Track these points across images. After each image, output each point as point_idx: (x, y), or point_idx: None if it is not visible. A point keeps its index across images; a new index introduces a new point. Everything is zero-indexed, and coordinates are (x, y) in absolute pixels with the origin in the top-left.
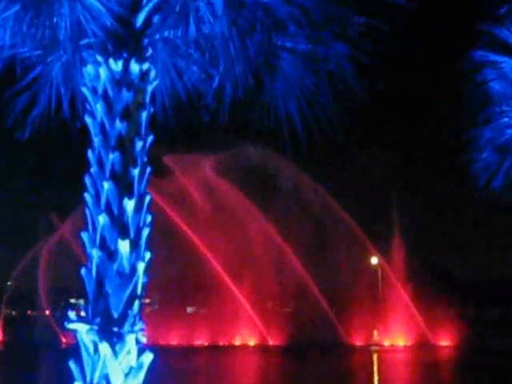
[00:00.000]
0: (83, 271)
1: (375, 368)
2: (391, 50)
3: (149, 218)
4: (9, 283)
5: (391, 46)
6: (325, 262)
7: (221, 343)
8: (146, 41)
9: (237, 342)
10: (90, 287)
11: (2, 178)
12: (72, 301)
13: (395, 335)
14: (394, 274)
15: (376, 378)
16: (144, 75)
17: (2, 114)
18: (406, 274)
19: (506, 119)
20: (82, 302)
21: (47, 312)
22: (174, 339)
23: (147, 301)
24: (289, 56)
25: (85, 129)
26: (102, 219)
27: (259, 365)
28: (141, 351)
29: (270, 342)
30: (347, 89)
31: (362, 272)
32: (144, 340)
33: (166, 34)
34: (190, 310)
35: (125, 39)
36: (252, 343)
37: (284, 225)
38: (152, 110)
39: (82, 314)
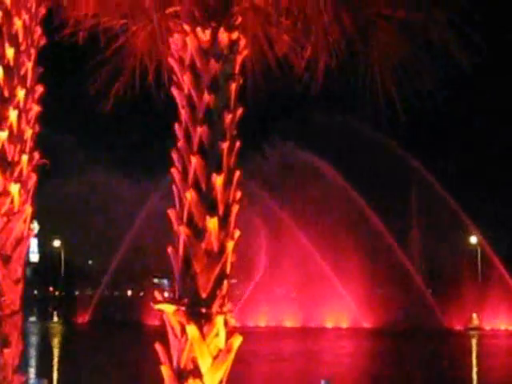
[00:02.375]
0: (169, 250)
1: (474, 354)
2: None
3: (238, 194)
4: (90, 262)
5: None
6: (421, 241)
7: (312, 325)
8: (235, 9)
9: (328, 325)
10: (176, 266)
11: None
12: (155, 280)
13: (496, 319)
14: (494, 253)
15: (474, 365)
16: (233, 45)
17: (85, 86)
18: (508, 254)
19: None
20: (165, 281)
21: (129, 292)
22: (263, 321)
23: (234, 281)
24: (385, 23)
25: (171, 101)
26: (190, 195)
27: (356, 348)
28: (229, 333)
29: (364, 325)
30: (447, 59)
31: (460, 252)
32: (233, 322)
33: (256, 1)
34: (279, 291)
35: (213, 7)
36: (344, 325)
37: (379, 203)
38: (241, 81)
39: (166, 294)
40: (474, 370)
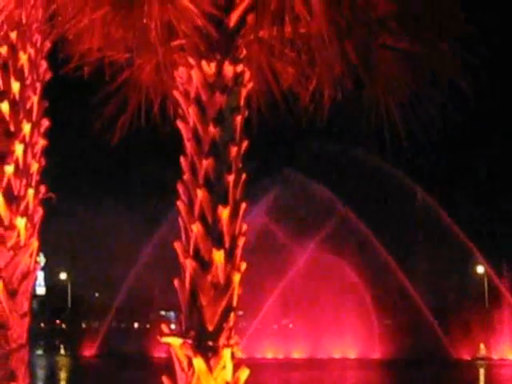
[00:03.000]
0: (176, 282)
1: None
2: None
3: (244, 227)
4: (96, 294)
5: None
6: (428, 271)
7: (319, 356)
8: (239, 41)
9: (336, 355)
10: (183, 299)
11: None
12: (162, 313)
13: (504, 348)
14: (501, 283)
15: None
16: (238, 77)
17: (90, 119)
18: None
19: None
20: (171, 314)
21: (136, 325)
22: (270, 352)
23: (240, 313)
24: (390, 55)
25: (176, 134)
26: (196, 228)
27: (366, 379)
28: (236, 366)
29: (372, 356)
30: (452, 89)
31: (467, 281)
32: (240, 354)
33: (260, 33)
34: (285, 322)
35: (218, 40)
36: (352, 356)
37: (385, 232)
38: (246, 113)
39: (173, 326)
40: None
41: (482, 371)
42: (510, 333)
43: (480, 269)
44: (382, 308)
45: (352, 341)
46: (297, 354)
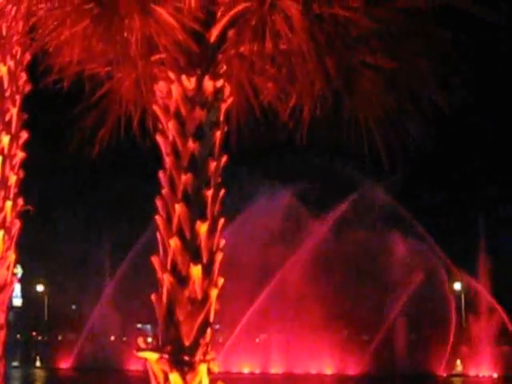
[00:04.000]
0: (153, 297)
1: None
2: (480, 67)
3: (222, 242)
4: (74, 307)
5: (480, 62)
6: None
7: (296, 371)
8: (220, 56)
9: (313, 371)
10: (160, 314)
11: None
12: (139, 326)
13: (480, 365)
14: (478, 300)
15: None
16: (218, 92)
17: (69, 133)
18: (492, 300)
19: None
20: (148, 327)
21: (112, 337)
22: (246, 367)
23: (217, 326)
24: (370, 72)
25: (155, 148)
26: (174, 242)
27: None
28: (213, 381)
29: (348, 372)
30: (432, 106)
31: (444, 297)
32: (216, 369)
33: (241, 49)
34: (262, 337)
35: (198, 55)
36: (329, 372)
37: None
38: (226, 129)
39: (149, 339)
40: None
41: None
42: (485, 350)
43: (457, 285)
44: (358, 324)
45: (328, 357)
46: (274, 369)
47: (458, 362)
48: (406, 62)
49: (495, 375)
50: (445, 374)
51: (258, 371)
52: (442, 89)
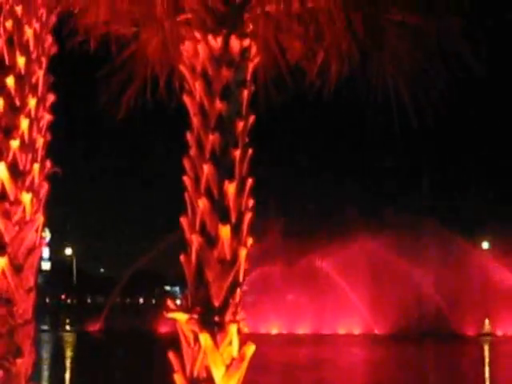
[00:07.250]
0: (182, 258)
1: (487, 360)
2: None
3: (251, 202)
4: (102, 270)
5: None
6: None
7: (324, 332)
8: (246, 16)
9: (341, 331)
10: (189, 275)
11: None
12: (167, 288)
13: (509, 324)
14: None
15: (487, 371)
16: (244, 52)
17: (96, 94)
18: None
19: None
20: (177, 289)
21: (141, 300)
22: (274, 328)
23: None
24: (397, 30)
25: (182, 109)
26: (202, 203)
27: (368, 355)
28: (242, 341)
29: (376, 331)
30: (461, 66)
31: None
32: (246, 330)
33: (267, 8)
34: (290, 297)
35: (224, 14)
36: (357, 332)
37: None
38: (253, 88)
39: (178, 302)
40: (487, 375)
41: (486, 347)
42: None
43: (485, 244)
44: (386, 284)
45: (356, 317)
46: (301, 330)
47: (487, 321)
48: (434, 18)
49: None
50: (474, 334)
51: (285, 332)
52: (471, 47)
